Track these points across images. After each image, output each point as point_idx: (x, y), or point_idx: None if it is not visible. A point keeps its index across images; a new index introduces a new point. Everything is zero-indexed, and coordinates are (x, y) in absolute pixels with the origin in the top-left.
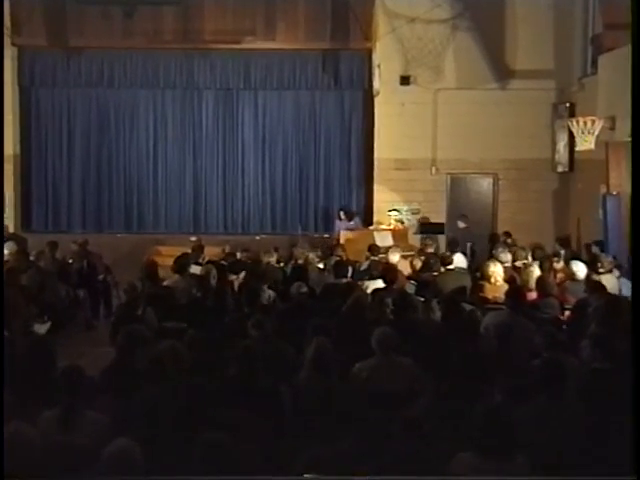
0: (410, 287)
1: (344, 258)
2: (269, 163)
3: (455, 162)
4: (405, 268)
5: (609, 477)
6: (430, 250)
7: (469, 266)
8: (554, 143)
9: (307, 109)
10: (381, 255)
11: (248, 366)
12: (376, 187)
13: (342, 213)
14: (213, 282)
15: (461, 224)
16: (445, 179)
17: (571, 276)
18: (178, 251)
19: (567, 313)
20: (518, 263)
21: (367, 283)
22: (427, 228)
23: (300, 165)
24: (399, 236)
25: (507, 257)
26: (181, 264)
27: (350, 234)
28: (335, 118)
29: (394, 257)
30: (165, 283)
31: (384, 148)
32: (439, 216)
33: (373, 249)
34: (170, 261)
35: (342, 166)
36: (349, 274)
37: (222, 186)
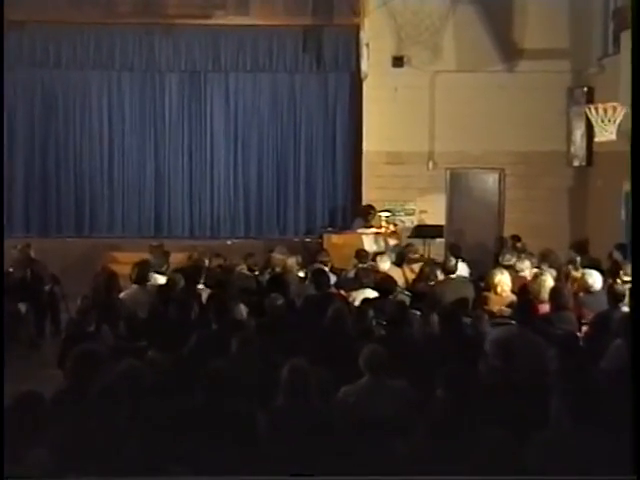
0: (404, 298)
1: (328, 265)
2: (242, 157)
3: (455, 155)
4: (398, 277)
5: (609, 477)
6: (415, 256)
7: (471, 274)
8: (569, 133)
9: (286, 95)
10: (371, 262)
11: (217, 391)
12: (365, 184)
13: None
14: (178, 294)
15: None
16: (444, 175)
17: (586, 287)
18: (137, 258)
19: (585, 329)
20: (528, 271)
21: (355, 294)
22: (423, 231)
23: (278, 159)
24: (391, 240)
25: (517, 264)
26: (141, 273)
27: (335, 238)
28: (318, 105)
29: (385, 264)
30: (122, 295)
31: (374, 139)
32: (437, 217)
33: (361, 255)
34: (128, 269)
35: (326, 160)
36: (333, 283)
37: (188, 183)
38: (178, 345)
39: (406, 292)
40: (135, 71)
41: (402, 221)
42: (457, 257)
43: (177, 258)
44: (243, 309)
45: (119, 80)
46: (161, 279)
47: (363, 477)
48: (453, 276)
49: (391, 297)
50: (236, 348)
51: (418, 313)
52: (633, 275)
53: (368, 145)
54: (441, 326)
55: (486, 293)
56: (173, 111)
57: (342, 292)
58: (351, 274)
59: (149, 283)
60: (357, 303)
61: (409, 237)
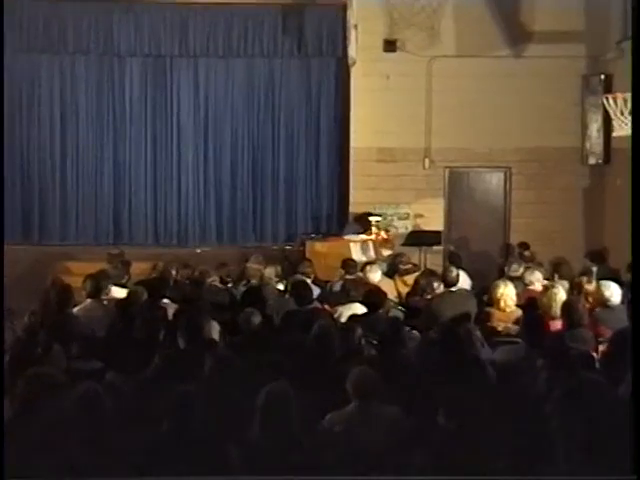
0: (396, 314)
1: (311, 276)
2: (213, 154)
3: (455, 152)
4: (390, 289)
5: (609, 477)
6: (409, 266)
7: (473, 287)
8: (585, 127)
9: (263, 83)
10: (359, 272)
11: (185, 419)
12: (353, 185)
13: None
14: (140, 309)
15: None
16: (442, 174)
17: (603, 301)
18: (93, 268)
19: (602, 348)
20: (537, 284)
21: (341, 309)
22: (419, 238)
23: (254, 156)
24: (382, 248)
25: (524, 276)
26: (97, 285)
27: (319, 245)
28: (299, 95)
29: (375, 275)
30: (76, 310)
31: (363, 134)
32: (434, 222)
33: (348, 265)
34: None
35: (308, 158)
36: (317, 297)
37: (152, 183)
38: (140, 367)
39: (399, 307)
40: (90, 55)
41: (395, 227)
42: (457, 267)
43: (139, 268)
44: (215, 327)
45: (72, 65)
46: (121, 292)
47: (362, 477)
48: (452, 289)
49: (382, 312)
50: (207, 371)
51: (413, 331)
52: (633, 276)
53: (356, 141)
54: (439, 346)
55: (490, 308)
56: (134, 101)
57: (327, 307)
58: (337, 286)
59: (107, 297)
60: (344, 319)
61: (403, 245)
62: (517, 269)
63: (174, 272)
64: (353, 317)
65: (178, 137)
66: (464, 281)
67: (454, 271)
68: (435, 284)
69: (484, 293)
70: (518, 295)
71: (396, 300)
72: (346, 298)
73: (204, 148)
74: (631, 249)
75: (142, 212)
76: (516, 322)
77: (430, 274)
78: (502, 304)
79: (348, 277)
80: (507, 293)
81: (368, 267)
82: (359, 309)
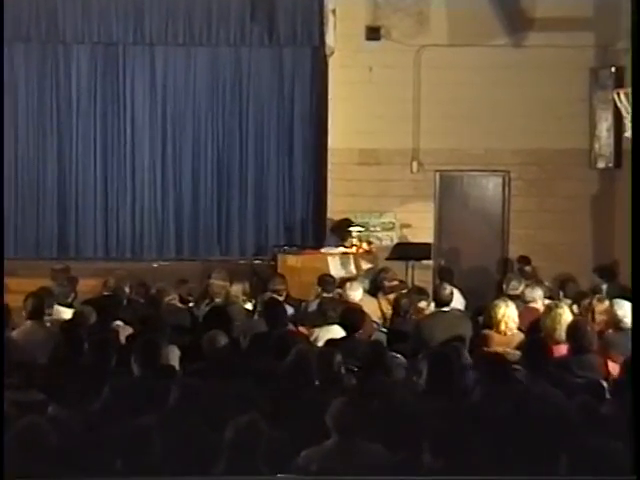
0: (380, 338)
1: (284, 294)
2: (172, 155)
3: (447, 154)
4: (373, 310)
5: (609, 477)
6: (394, 283)
7: (467, 307)
8: (593, 126)
9: (229, 76)
10: (337, 290)
11: (141, 457)
12: (331, 191)
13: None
14: (88, 332)
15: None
16: (432, 179)
17: (615, 323)
18: (35, 285)
19: (613, 376)
20: (540, 303)
21: (318, 332)
22: (406, 251)
23: (219, 158)
24: (364, 262)
25: (525, 294)
26: (39, 305)
27: (292, 259)
28: (270, 89)
29: (355, 293)
30: (14, 333)
31: (343, 134)
32: (423, 233)
33: (325, 282)
34: (22, 300)
35: (281, 160)
36: (290, 318)
37: (102, 188)
38: (88, 399)
39: (383, 329)
40: (32, 42)
41: (378, 238)
42: (449, 284)
43: (88, 285)
44: (174, 352)
45: (11, 54)
46: (66, 313)
47: (361, 477)
48: (444, 309)
49: (364, 336)
50: (165, 402)
51: (398, 357)
52: (633, 277)
53: (335, 141)
54: (428, 374)
55: (486, 331)
56: (82, 95)
57: (302, 329)
58: (313, 306)
59: (50, 318)
60: (321, 343)
61: (387, 259)
62: (517, 286)
63: (127, 290)
64: (331, 341)
65: (132, 136)
66: (457, 300)
67: (447, 288)
68: (421, 304)
69: (480, 314)
70: (519, 316)
71: (380, 321)
72: (323, 319)
73: (162, 148)
74: (631, 249)
75: (91, 221)
76: (517, 347)
77: (417, 292)
78: (502, 327)
79: (325, 295)
80: (509, 314)
81: (348, 284)
82: (338, 332)
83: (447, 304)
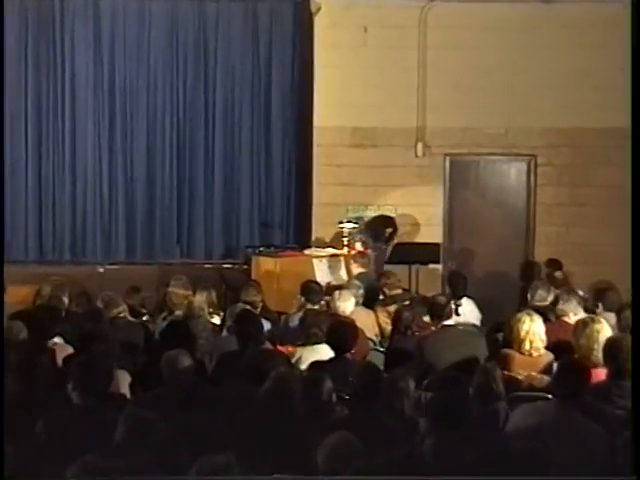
0: (374, 358)
1: (259, 306)
2: (121, 134)
3: (459, 134)
4: (368, 324)
5: (609, 477)
6: (395, 292)
7: (478, 320)
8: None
9: (192, 34)
10: (325, 300)
11: None
12: (317, 179)
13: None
14: (18, 351)
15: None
16: (442, 164)
17: None
18: None
19: None
20: (573, 317)
21: (301, 352)
22: (408, 253)
23: (179, 139)
24: (356, 266)
25: (554, 305)
26: None
27: (270, 263)
28: (243, 53)
29: (346, 304)
30: None
31: (331, 109)
32: (430, 231)
33: (310, 290)
34: None
35: (255, 141)
36: (267, 334)
37: (35, 178)
38: (18, 434)
39: (380, 349)
40: None
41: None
42: (461, 294)
43: (18, 294)
44: (124, 376)
45: None
46: None
47: (360, 477)
48: (454, 323)
49: (356, 356)
50: (111, 439)
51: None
52: (633, 279)
53: (322, 118)
54: (435, 402)
55: (507, 351)
56: (8, 60)
57: (281, 348)
58: (295, 320)
59: None
60: (304, 366)
61: (387, 262)
62: (544, 296)
63: (66, 300)
64: (317, 364)
65: (71, 110)
66: (470, 313)
67: (452, 302)
68: (427, 317)
69: (498, 330)
70: (547, 333)
71: (377, 339)
72: (308, 337)
73: (108, 126)
74: (631, 249)
75: (21, 218)
76: (544, 370)
77: (421, 303)
78: (527, 345)
79: (310, 307)
80: (534, 330)
81: (337, 293)
82: (325, 352)
83: (447, 317)
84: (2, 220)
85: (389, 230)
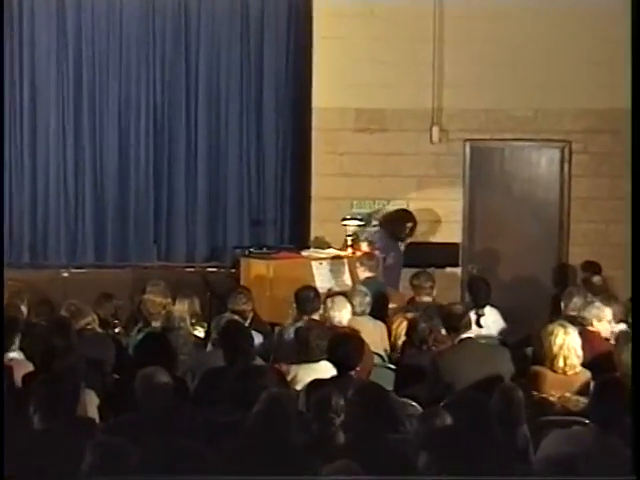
0: (383, 376)
1: (249, 316)
2: (90, 122)
3: (482, 117)
4: (375, 337)
5: (609, 477)
6: (427, 298)
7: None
8: None
9: (170, 5)
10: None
11: None
12: (316, 169)
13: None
14: None
15: None
16: (461, 152)
17: None
18: None
19: None
20: (613, 327)
21: (298, 369)
22: (423, 254)
23: (156, 126)
24: (362, 269)
25: (593, 316)
26: None
27: (262, 266)
28: (230, 22)
29: (341, 313)
30: None
31: (332, 87)
32: (448, 230)
33: (306, 298)
34: None
35: (245, 126)
36: (258, 349)
37: None
38: None
39: (390, 365)
40: None
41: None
42: (483, 302)
43: None
44: (92, 397)
45: None
46: None
47: (359, 477)
48: (475, 335)
49: (360, 374)
50: (78, 469)
51: (412, 403)
52: (633, 280)
53: (322, 98)
54: (453, 427)
55: (538, 368)
56: None
57: (275, 365)
58: (291, 333)
59: None
60: (301, 386)
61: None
62: (581, 305)
63: (25, 309)
64: (315, 383)
65: (32, 97)
66: (494, 324)
67: (479, 309)
68: (443, 329)
69: (527, 344)
70: (584, 347)
71: (385, 353)
72: (306, 352)
73: (74, 113)
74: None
75: None
76: (581, 391)
77: (435, 312)
78: (560, 362)
79: (308, 318)
80: (569, 344)
81: (329, 301)
82: (326, 370)
83: (466, 329)
84: (2, 221)
85: (409, 225)
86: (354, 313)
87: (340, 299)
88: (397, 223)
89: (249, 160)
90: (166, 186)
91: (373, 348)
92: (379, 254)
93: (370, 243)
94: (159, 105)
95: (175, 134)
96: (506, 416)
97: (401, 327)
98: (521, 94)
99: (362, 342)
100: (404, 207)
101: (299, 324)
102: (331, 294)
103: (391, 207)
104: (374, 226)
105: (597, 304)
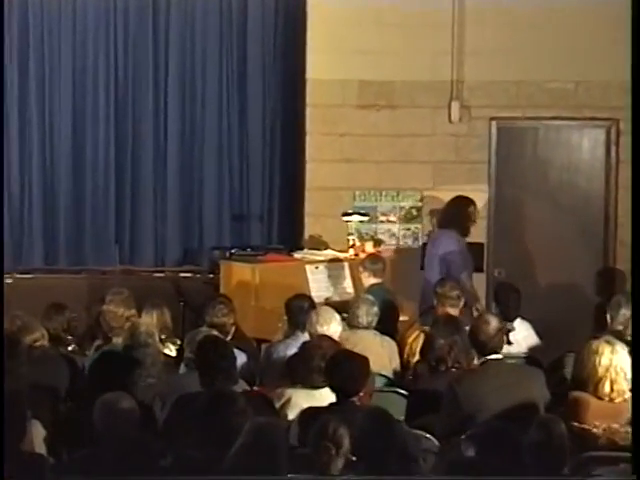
0: (392, 402)
1: (230, 330)
2: (36, 103)
3: (510, 90)
4: (382, 357)
5: (609, 477)
6: (453, 310)
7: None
8: None
9: None
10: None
11: None
12: (310, 153)
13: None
14: None
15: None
16: (486, 132)
17: None
18: None
19: None
20: None
21: (289, 395)
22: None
23: (117, 106)
24: (369, 275)
25: None
26: None
27: (246, 270)
28: None
29: (329, 327)
30: None
31: (331, 56)
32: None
33: (298, 309)
34: None
35: (225, 102)
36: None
37: None
38: None
39: (401, 391)
40: None
41: (393, 234)
42: (513, 314)
43: None
44: (38, 430)
45: None
46: None
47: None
48: (503, 354)
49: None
50: None
51: (427, 436)
52: (633, 279)
53: (318, 68)
54: (476, 465)
55: (579, 394)
56: None
57: (261, 389)
58: (280, 351)
59: None
60: (292, 415)
61: (407, 270)
62: (630, 318)
63: None
64: (311, 412)
65: None
66: (526, 340)
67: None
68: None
69: (565, 365)
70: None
71: (395, 375)
72: (296, 373)
73: (19, 98)
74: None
75: None
76: (631, 421)
77: (453, 326)
78: (606, 387)
79: (302, 334)
80: (617, 365)
81: (314, 315)
82: (323, 395)
83: (496, 348)
84: (2, 222)
85: (474, 215)
86: (357, 326)
87: (326, 310)
88: (463, 215)
89: (230, 144)
90: (130, 177)
91: (380, 368)
92: (458, 262)
93: (376, 242)
94: (121, 84)
95: (141, 116)
96: (544, 454)
97: (415, 343)
98: (559, 63)
99: (366, 362)
100: (461, 194)
101: (303, 339)
102: (338, 304)
103: (401, 202)
104: (382, 222)
105: None
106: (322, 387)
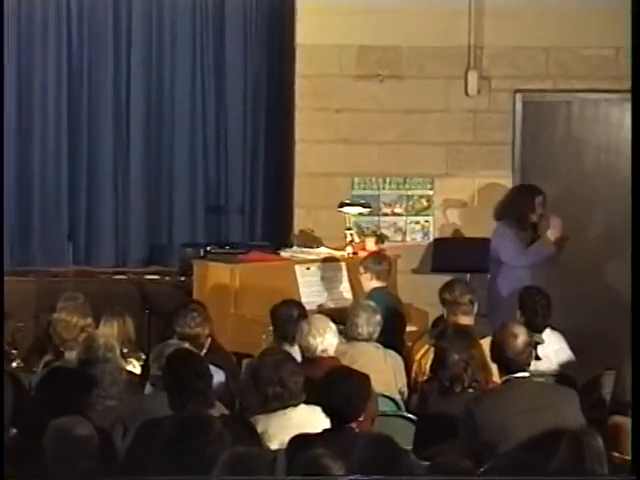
0: (398, 428)
1: (205, 343)
2: None
3: (539, 58)
4: (386, 375)
5: (609, 477)
6: (465, 318)
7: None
8: None
9: None
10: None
11: None
12: (300, 134)
13: None
14: None
15: None
16: (510, 108)
17: None
18: None
19: None
20: None
21: (276, 419)
22: (455, 255)
23: (70, 77)
24: (370, 278)
25: None
26: None
27: (223, 272)
28: None
29: (323, 340)
30: None
31: (324, 18)
32: (489, 220)
33: (285, 319)
34: None
35: (200, 74)
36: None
37: None
38: None
39: (408, 415)
40: None
41: (399, 229)
42: (541, 323)
43: None
44: None
45: None
46: None
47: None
48: (527, 374)
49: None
50: None
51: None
52: (633, 275)
53: (309, 32)
54: None
55: (619, 418)
56: None
57: (241, 414)
58: (266, 370)
59: None
60: (280, 443)
61: (415, 271)
62: None
63: None
64: (301, 439)
65: None
66: (557, 354)
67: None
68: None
69: (603, 384)
70: None
71: (399, 396)
72: (280, 396)
73: None
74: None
75: None
76: None
77: (467, 338)
78: None
79: (289, 350)
80: None
81: (305, 325)
82: (316, 420)
83: (524, 366)
84: (2, 222)
85: (540, 199)
86: (356, 338)
87: (319, 319)
88: (528, 207)
89: (205, 123)
90: (85, 160)
91: (383, 388)
92: (512, 263)
93: (378, 238)
94: (75, 52)
95: (98, 91)
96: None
97: (425, 358)
98: (594, 26)
99: (367, 381)
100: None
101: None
102: (333, 311)
103: (408, 191)
104: (386, 215)
105: None
106: (295, 405)
